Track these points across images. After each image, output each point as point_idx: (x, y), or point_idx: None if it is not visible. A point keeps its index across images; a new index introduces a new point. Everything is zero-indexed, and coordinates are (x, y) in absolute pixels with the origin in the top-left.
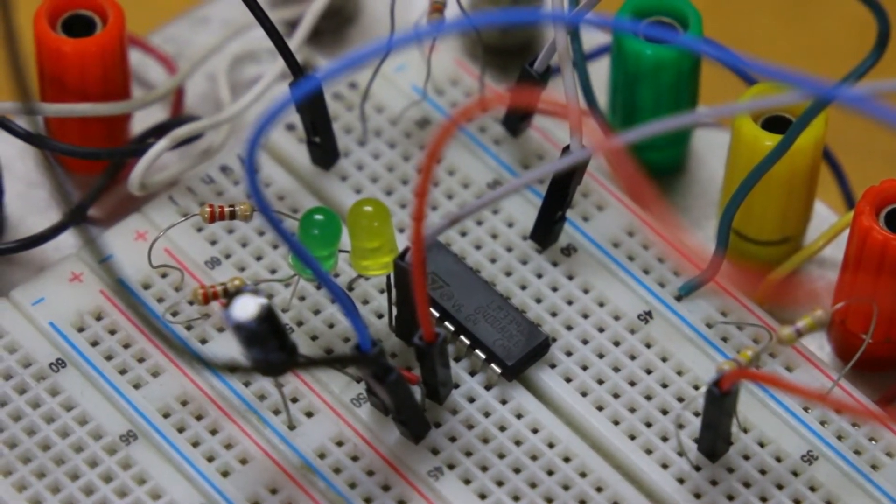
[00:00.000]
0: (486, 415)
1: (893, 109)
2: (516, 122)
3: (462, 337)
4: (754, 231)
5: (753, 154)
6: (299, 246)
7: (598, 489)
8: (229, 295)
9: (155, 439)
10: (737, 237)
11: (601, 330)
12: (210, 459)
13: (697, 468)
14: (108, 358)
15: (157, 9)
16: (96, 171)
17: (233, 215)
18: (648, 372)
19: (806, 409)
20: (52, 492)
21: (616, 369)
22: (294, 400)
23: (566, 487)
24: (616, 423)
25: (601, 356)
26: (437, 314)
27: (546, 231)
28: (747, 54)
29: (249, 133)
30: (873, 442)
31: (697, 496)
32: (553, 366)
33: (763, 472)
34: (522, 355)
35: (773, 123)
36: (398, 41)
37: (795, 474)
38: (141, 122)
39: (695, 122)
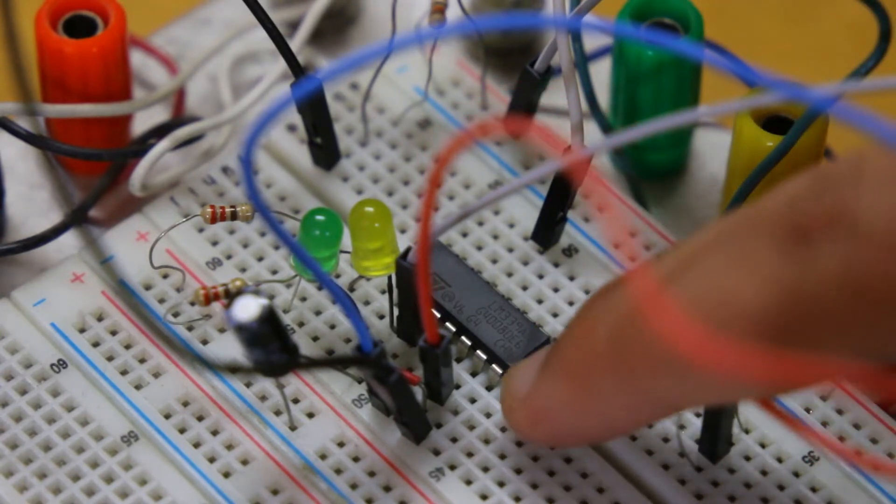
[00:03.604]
0: (488, 416)
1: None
2: None
3: (463, 338)
4: None
5: (754, 155)
6: (297, 246)
7: (600, 490)
8: (230, 296)
9: (156, 440)
10: None
11: None
12: (211, 460)
13: (698, 469)
14: (110, 359)
15: (158, 10)
16: (98, 172)
17: (234, 216)
18: None
19: (808, 410)
20: (54, 492)
21: None
22: (295, 401)
23: (567, 489)
24: None
25: None
26: (438, 315)
27: (547, 232)
28: (746, 60)
29: (247, 132)
30: (875, 443)
31: (699, 497)
32: None
33: (764, 472)
34: (524, 356)
35: (774, 124)
36: (399, 43)
37: (797, 475)
38: (142, 122)
39: (692, 121)
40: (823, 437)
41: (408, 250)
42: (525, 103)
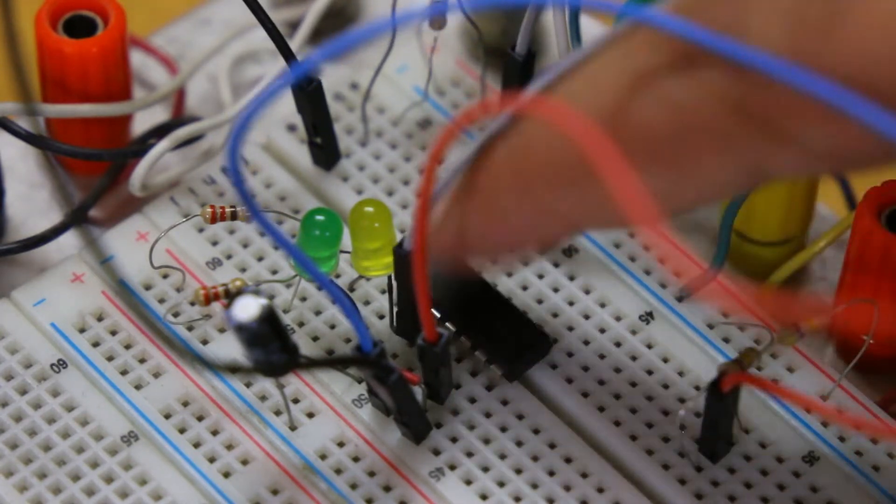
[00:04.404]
0: (488, 416)
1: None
2: None
3: (463, 338)
4: (756, 232)
5: None
6: (293, 246)
7: (600, 490)
8: (230, 296)
9: (156, 440)
10: (739, 238)
11: (602, 331)
12: (211, 460)
13: (699, 469)
14: (110, 359)
15: (158, 9)
16: (98, 172)
17: (234, 216)
18: (650, 373)
19: (808, 410)
20: (54, 492)
21: (617, 370)
22: (295, 401)
23: (567, 489)
24: (617, 424)
25: (602, 357)
26: (438, 315)
27: None
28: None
29: (242, 113)
30: (875, 443)
31: (699, 497)
32: (554, 367)
33: (764, 473)
34: (524, 356)
35: None
36: (402, 18)
37: (797, 475)
38: (142, 122)
39: None
40: (803, 397)
41: (402, 242)
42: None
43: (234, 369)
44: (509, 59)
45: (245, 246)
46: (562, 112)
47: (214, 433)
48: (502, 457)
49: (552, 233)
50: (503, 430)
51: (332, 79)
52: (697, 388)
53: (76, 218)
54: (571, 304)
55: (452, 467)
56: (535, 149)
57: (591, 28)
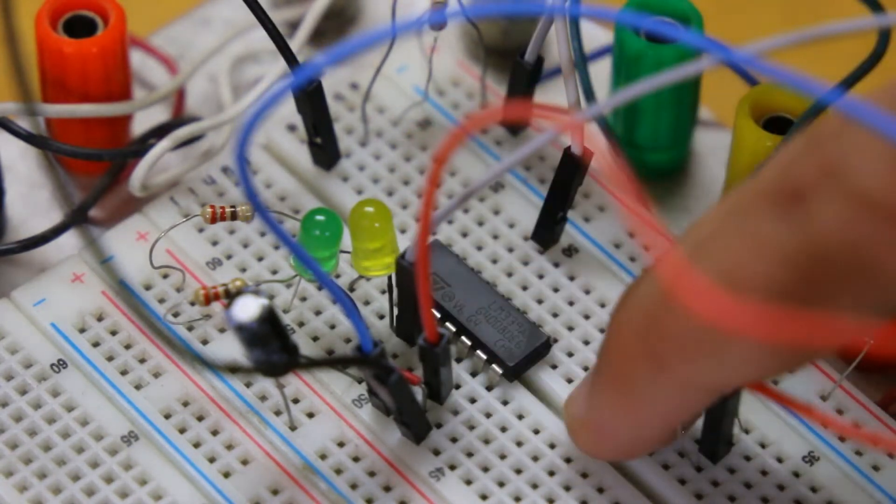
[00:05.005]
0: (488, 415)
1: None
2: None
3: (463, 338)
4: None
5: (754, 155)
6: (296, 245)
7: (600, 490)
8: (231, 296)
9: (156, 440)
10: None
11: (602, 331)
12: (211, 460)
13: (699, 469)
14: (110, 359)
15: (158, 9)
16: (98, 172)
17: (234, 216)
18: None
19: (807, 417)
20: (54, 492)
21: None
22: (295, 401)
23: (567, 488)
24: None
25: None
26: (438, 315)
27: (547, 232)
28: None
29: (246, 116)
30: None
31: (699, 497)
32: (554, 366)
33: (764, 473)
34: (524, 356)
35: (775, 124)
36: (402, 27)
37: (797, 475)
38: (142, 122)
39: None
40: (825, 416)
41: (405, 252)
42: (520, 97)
43: (234, 369)
44: (517, 66)
45: (245, 246)
46: (688, 284)
47: (214, 433)
48: (502, 456)
49: (697, 405)
50: (503, 429)
51: (332, 79)
52: None
53: (76, 218)
54: (571, 303)
55: (452, 467)
56: (662, 326)
57: (591, 31)
